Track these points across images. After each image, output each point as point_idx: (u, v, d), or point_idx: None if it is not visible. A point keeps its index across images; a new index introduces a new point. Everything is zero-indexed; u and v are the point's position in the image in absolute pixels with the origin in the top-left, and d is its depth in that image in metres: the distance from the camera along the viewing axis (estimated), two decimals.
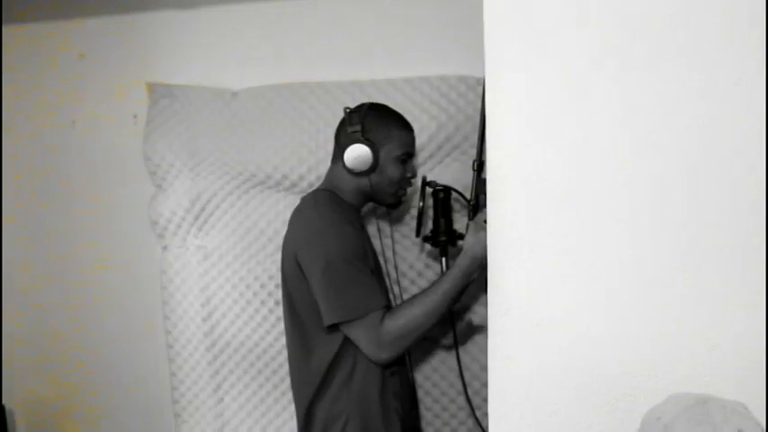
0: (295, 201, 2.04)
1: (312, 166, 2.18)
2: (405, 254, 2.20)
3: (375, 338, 1.55)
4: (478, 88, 2.14)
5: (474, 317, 2.08)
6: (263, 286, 2.29)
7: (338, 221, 1.59)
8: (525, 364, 1.10)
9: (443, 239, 1.83)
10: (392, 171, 1.76)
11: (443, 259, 1.81)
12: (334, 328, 1.63)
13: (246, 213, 2.27)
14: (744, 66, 0.96)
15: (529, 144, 1.07)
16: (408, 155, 1.79)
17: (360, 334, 1.58)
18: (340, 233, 1.58)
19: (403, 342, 1.57)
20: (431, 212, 1.91)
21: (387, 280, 1.89)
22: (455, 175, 2.17)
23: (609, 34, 1.01)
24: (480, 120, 1.72)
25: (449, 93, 2.16)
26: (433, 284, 1.62)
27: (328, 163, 2.03)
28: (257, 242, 2.28)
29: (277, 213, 2.25)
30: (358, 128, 1.69)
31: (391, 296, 1.94)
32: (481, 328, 2.06)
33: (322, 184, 1.82)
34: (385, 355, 1.58)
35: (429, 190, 1.86)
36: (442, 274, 1.65)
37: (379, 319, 1.55)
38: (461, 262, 1.60)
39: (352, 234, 1.59)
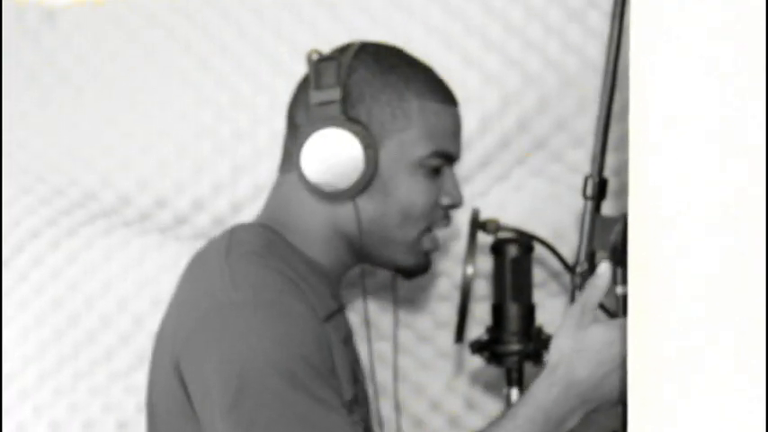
0: (182, 253, 1.52)
1: (223, 180, 1.68)
2: (419, 376, 1.75)
3: None
4: (593, 14, 1.62)
5: None
6: None
7: (276, 290, 1.16)
8: None
9: (515, 349, 1.32)
10: (408, 191, 1.27)
11: (513, 391, 1.30)
12: None
13: (71, 280, 1.69)
14: None
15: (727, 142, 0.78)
16: (446, 157, 1.30)
17: None
18: (275, 317, 1.14)
19: None
20: (484, 287, 1.55)
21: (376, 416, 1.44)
22: (536, 207, 1.68)
23: None
24: (604, 85, 1.31)
25: (529, 22, 1.64)
26: None
27: (266, 174, 1.64)
28: (97, 344, 1.67)
29: (143, 281, 1.70)
30: (335, 94, 1.23)
31: None
32: None
33: (257, 217, 1.36)
34: None
35: (485, 237, 1.36)
36: (503, 416, 1.19)
37: None
38: (541, 393, 1.14)
39: (306, 320, 1.15)
